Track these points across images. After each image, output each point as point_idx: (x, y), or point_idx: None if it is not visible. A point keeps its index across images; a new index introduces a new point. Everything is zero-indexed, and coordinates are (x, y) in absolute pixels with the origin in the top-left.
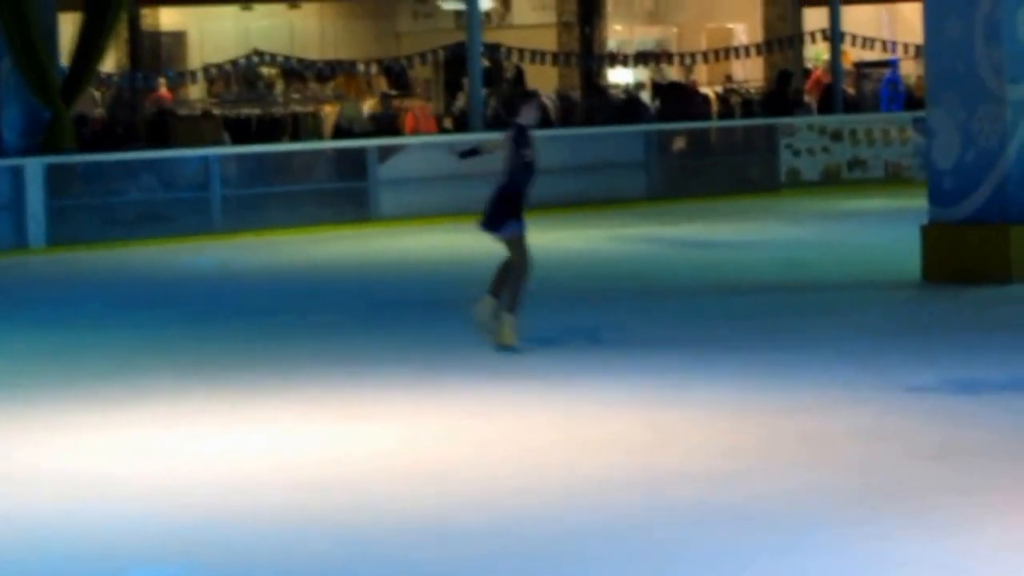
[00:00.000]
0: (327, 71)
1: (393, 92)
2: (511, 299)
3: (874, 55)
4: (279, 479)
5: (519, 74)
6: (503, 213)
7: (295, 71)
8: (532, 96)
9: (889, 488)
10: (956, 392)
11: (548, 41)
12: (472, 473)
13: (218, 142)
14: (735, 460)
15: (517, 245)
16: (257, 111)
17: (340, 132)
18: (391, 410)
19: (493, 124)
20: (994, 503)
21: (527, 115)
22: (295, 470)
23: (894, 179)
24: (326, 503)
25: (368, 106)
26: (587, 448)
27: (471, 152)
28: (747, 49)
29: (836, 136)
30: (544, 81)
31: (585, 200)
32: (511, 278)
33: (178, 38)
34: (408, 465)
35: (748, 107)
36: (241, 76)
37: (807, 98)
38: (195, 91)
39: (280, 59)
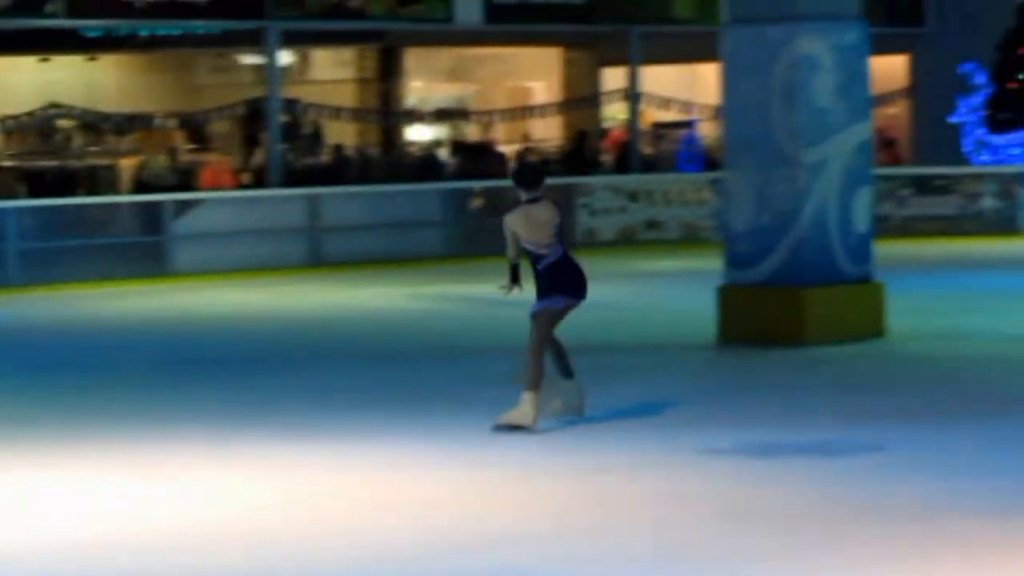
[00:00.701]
0: (125, 124)
1: (187, 146)
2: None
3: (672, 115)
4: (78, 539)
5: (317, 130)
6: None
7: (92, 124)
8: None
9: (683, 551)
10: (752, 454)
11: (347, 97)
12: (275, 535)
13: (13, 195)
14: (530, 522)
15: None
16: (54, 164)
17: (143, 186)
18: (187, 467)
19: (289, 180)
20: (791, 567)
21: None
22: (95, 527)
23: (691, 240)
24: (124, 565)
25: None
26: (383, 509)
27: (514, 272)
28: (546, 108)
29: (633, 196)
30: (343, 137)
31: (383, 258)
32: (561, 348)
33: None
34: (217, 525)
35: (546, 166)
36: (38, 128)
37: (605, 158)
38: None
39: (77, 112)
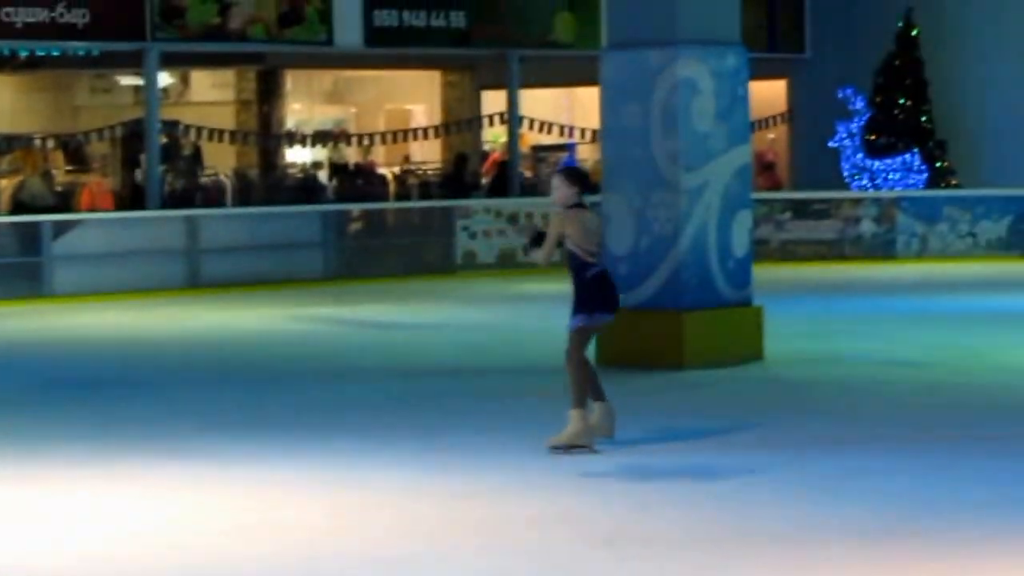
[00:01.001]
0: (3, 144)
1: (65, 167)
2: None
3: (552, 139)
4: None
5: (197, 151)
6: None
7: None
8: None
9: (560, 574)
10: (629, 478)
11: (227, 119)
12: (146, 556)
13: None
14: (407, 544)
15: None
16: None
17: (21, 207)
18: (65, 488)
19: (170, 201)
20: None
21: None
22: None
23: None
24: None
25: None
26: (257, 532)
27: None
28: (425, 131)
29: (513, 219)
30: (222, 159)
31: (263, 279)
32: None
33: None
34: (91, 547)
35: (426, 189)
36: None
37: (484, 180)
38: None
39: None
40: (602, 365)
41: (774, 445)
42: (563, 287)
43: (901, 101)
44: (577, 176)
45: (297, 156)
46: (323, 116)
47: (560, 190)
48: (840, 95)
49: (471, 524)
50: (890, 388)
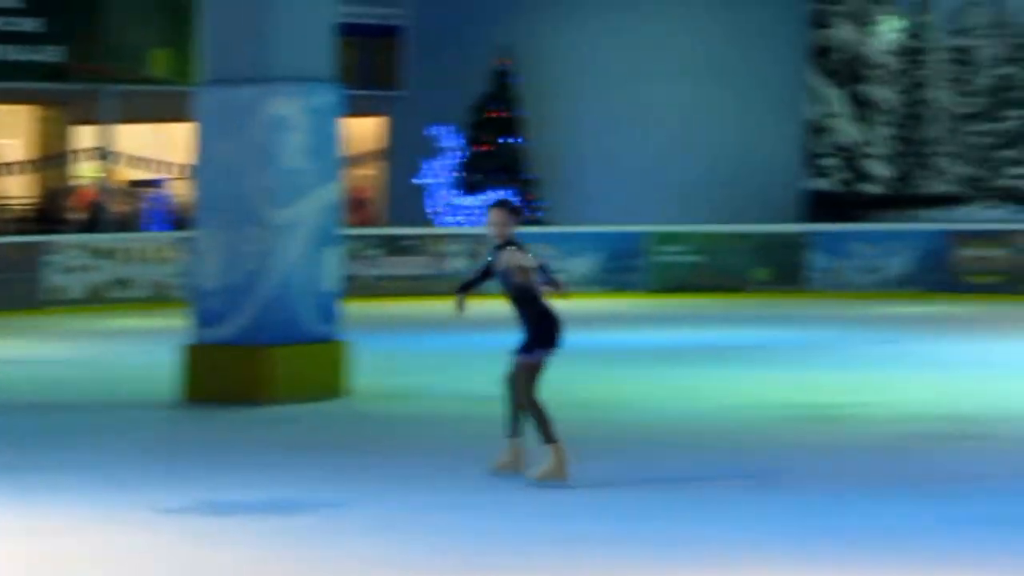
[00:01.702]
0: None
1: None
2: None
3: (146, 174)
4: None
5: None
6: None
7: None
8: None
9: None
10: (208, 513)
11: None
12: None
13: None
14: None
15: None
16: None
17: None
18: None
19: None
20: None
21: None
22: None
23: (160, 299)
24: None
25: None
26: None
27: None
28: (17, 166)
29: (102, 254)
30: None
31: None
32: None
33: None
34: None
35: (15, 224)
36: None
37: (76, 216)
38: None
39: None
40: (189, 401)
41: (356, 480)
42: (152, 323)
43: (494, 139)
44: (517, 210)
45: None
46: None
47: (508, 226)
48: (429, 132)
49: (42, 561)
50: (473, 423)
